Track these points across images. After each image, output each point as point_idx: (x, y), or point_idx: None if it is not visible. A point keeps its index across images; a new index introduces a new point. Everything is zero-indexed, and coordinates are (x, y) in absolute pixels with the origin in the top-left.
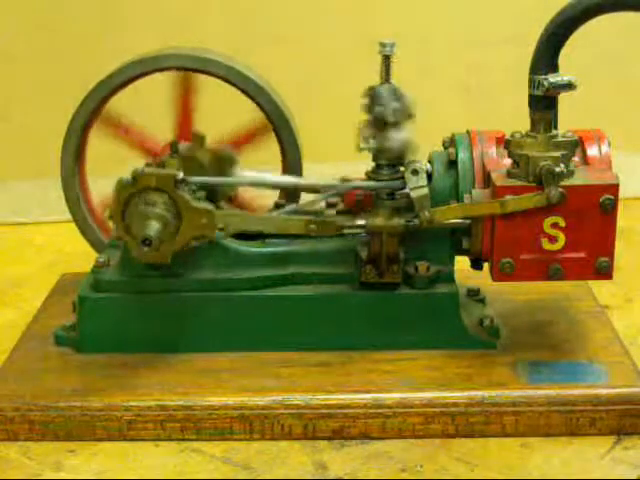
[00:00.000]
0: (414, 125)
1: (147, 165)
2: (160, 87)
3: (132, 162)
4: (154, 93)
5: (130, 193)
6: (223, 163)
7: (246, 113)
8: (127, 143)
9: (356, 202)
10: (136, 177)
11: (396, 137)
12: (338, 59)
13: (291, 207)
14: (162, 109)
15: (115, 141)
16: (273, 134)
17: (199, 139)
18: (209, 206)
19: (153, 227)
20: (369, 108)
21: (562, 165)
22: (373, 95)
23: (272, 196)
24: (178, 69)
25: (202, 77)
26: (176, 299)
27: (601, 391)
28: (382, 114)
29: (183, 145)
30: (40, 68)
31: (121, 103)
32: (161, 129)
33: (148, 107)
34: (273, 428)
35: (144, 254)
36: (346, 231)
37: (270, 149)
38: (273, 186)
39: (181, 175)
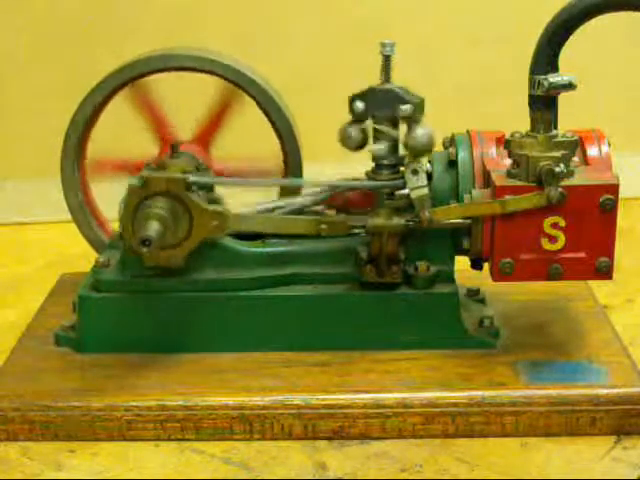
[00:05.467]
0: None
1: (146, 166)
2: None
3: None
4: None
5: (140, 198)
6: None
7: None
8: (147, 121)
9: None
10: (146, 181)
11: (422, 132)
12: (338, 59)
13: (294, 207)
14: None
15: (136, 114)
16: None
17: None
18: (220, 208)
19: (153, 227)
20: (377, 109)
21: (562, 165)
22: (386, 95)
23: None
24: (180, 69)
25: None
26: (176, 299)
27: (601, 391)
28: (407, 112)
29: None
30: (40, 68)
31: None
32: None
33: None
34: (273, 428)
35: (155, 258)
36: (357, 231)
37: (270, 149)
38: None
39: (191, 178)
